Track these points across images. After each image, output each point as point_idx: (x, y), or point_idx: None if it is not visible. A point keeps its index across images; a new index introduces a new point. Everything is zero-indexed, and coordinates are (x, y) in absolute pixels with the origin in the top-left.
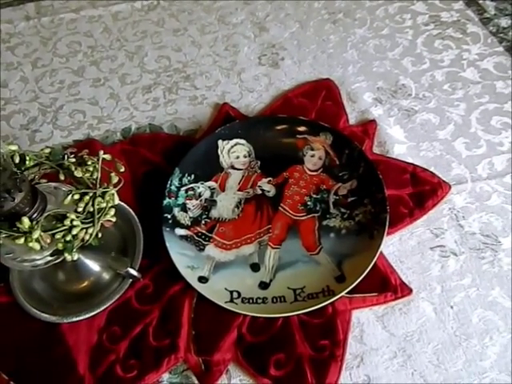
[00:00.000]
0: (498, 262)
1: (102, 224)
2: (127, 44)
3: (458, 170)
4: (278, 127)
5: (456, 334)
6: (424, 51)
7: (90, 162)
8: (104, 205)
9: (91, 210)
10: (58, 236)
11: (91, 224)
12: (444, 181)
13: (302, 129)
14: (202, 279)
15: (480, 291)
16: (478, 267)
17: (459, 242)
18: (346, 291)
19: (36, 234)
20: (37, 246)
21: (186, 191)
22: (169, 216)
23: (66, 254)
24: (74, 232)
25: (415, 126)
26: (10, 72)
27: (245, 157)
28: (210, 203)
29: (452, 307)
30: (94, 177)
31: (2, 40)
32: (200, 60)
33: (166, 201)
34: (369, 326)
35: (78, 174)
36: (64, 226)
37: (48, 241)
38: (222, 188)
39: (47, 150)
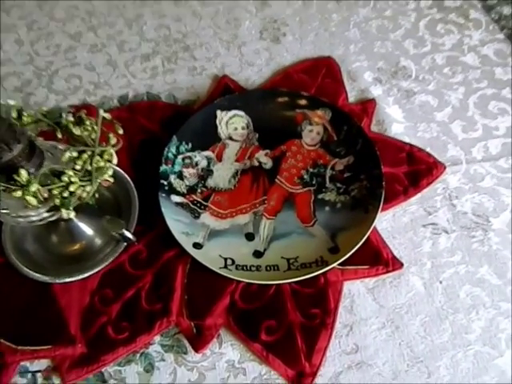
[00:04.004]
0: (487, 241)
1: (99, 183)
2: (126, 11)
3: (453, 152)
4: (278, 100)
5: (443, 308)
6: (426, 34)
7: (88, 122)
8: (102, 164)
9: (89, 168)
10: (55, 192)
11: (89, 182)
12: (439, 161)
13: (301, 102)
14: (197, 245)
15: (469, 268)
16: (467, 245)
17: (451, 221)
18: (339, 262)
19: (34, 187)
20: (33, 201)
21: (183, 159)
22: (165, 182)
23: (63, 210)
24: (72, 189)
25: (414, 106)
26: (5, 34)
27: (243, 128)
28: (207, 172)
29: (441, 282)
30: (93, 137)
31: None
32: (200, 31)
33: (163, 167)
34: (359, 297)
35: (77, 131)
36: (61, 182)
37: (45, 195)
38: (219, 158)
39: (45, 108)
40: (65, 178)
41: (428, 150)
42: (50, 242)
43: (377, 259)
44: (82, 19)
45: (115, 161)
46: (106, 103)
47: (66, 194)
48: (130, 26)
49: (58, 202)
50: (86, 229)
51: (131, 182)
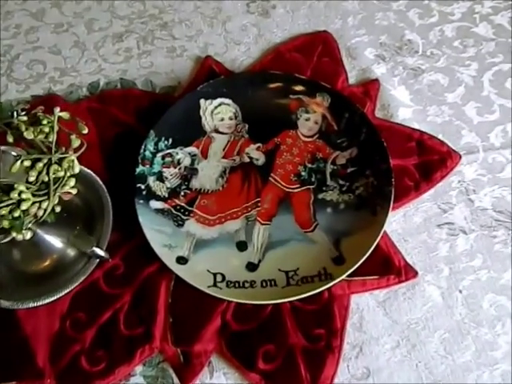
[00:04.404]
0: (511, 241)
1: (59, 197)
2: None
3: (468, 138)
4: (270, 85)
5: (465, 322)
6: (432, 2)
7: (45, 122)
8: (62, 173)
9: (46, 179)
10: (3, 212)
11: (46, 197)
12: (454, 150)
13: (296, 87)
14: (181, 260)
15: (491, 274)
16: (489, 247)
17: (469, 219)
18: (345, 275)
19: None
20: None
21: (163, 158)
22: (142, 186)
23: (14, 234)
24: (24, 207)
25: (422, 87)
26: None
27: (230, 119)
28: (191, 172)
29: (461, 291)
30: (50, 139)
31: None
32: (179, 6)
33: (140, 168)
34: (369, 313)
35: (29, 135)
36: (11, 199)
37: None
38: (205, 155)
39: None
40: (14, 195)
41: (440, 136)
42: (12, 258)
43: (387, 267)
44: None
45: (77, 169)
46: (75, 92)
47: (17, 214)
48: (100, 2)
49: (6, 224)
50: (55, 241)
51: (103, 187)
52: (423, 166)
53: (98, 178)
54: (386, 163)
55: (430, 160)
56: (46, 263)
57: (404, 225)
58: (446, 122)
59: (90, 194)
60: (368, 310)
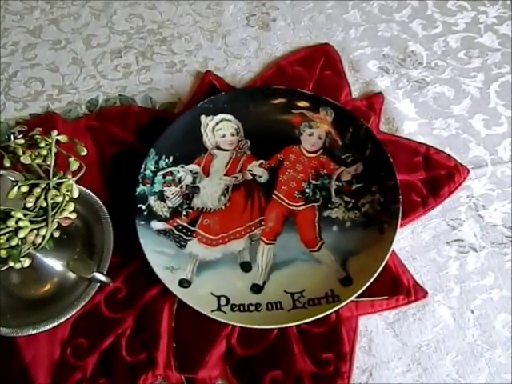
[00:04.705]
0: None
1: (58, 222)
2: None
3: (476, 152)
4: (272, 101)
5: (477, 343)
6: (436, 13)
7: (43, 144)
8: (60, 198)
9: (44, 205)
10: (0, 240)
11: (44, 223)
12: (461, 164)
13: (299, 103)
14: (184, 283)
15: (504, 293)
16: (500, 264)
17: (479, 236)
18: (352, 297)
19: None
20: None
21: (164, 176)
22: (143, 206)
23: (12, 263)
24: (22, 235)
25: (427, 99)
26: None
27: (232, 135)
28: (192, 190)
29: (472, 312)
30: (48, 162)
31: None
32: (178, 20)
33: (140, 188)
34: (378, 335)
35: (26, 160)
36: (8, 227)
37: None
38: (206, 172)
39: None
40: (12, 223)
41: (447, 150)
42: (11, 283)
43: (396, 288)
44: (42, 11)
45: (76, 194)
46: (73, 110)
47: (14, 242)
48: (98, 17)
49: (3, 253)
50: (55, 264)
51: (103, 207)
52: (430, 182)
53: (97, 199)
54: (392, 179)
55: (438, 175)
56: (46, 288)
57: (412, 242)
58: (452, 136)
59: (89, 214)
60: (377, 332)
